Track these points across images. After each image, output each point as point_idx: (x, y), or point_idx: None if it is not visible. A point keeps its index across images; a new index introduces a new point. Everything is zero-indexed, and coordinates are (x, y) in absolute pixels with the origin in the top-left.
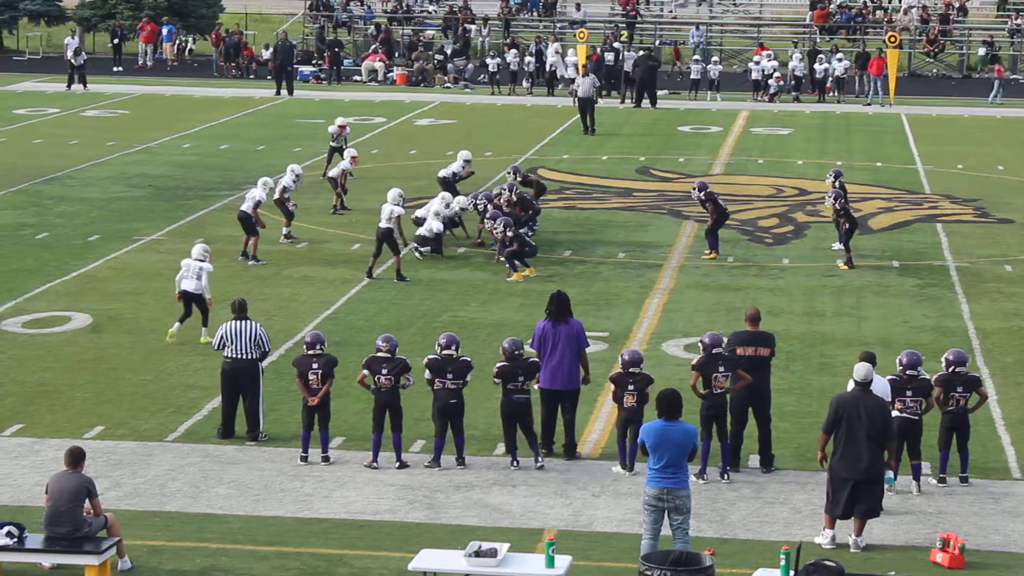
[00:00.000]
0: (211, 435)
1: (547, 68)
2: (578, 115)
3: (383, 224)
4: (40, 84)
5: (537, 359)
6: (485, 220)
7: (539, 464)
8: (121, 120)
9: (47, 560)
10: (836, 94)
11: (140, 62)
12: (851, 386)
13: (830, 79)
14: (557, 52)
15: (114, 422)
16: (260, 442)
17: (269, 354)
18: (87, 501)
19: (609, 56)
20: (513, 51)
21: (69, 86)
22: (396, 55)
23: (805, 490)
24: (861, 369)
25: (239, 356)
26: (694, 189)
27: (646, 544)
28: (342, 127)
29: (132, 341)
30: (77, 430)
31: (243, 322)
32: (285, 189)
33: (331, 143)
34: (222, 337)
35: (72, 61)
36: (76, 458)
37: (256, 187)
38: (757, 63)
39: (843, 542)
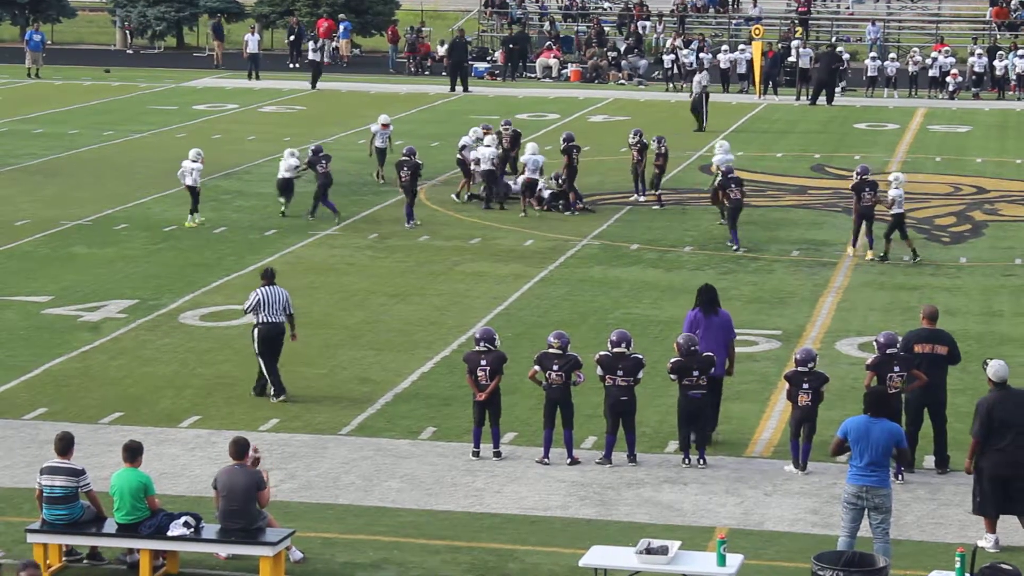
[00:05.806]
0: (385, 429)
1: (723, 65)
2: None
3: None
4: (219, 80)
5: (712, 355)
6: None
7: (702, 464)
8: (297, 116)
9: (223, 550)
10: (1017, 91)
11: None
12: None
13: (1012, 76)
14: (676, 48)
15: (289, 415)
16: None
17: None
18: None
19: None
20: (686, 49)
21: (249, 77)
22: (611, 52)
23: None
24: (1000, 370)
25: (274, 320)
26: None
27: (842, 542)
28: (385, 125)
29: (307, 335)
30: (253, 422)
31: (273, 288)
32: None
33: (376, 143)
34: (258, 302)
35: (251, 54)
36: (241, 449)
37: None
38: (935, 59)
39: (1009, 544)
